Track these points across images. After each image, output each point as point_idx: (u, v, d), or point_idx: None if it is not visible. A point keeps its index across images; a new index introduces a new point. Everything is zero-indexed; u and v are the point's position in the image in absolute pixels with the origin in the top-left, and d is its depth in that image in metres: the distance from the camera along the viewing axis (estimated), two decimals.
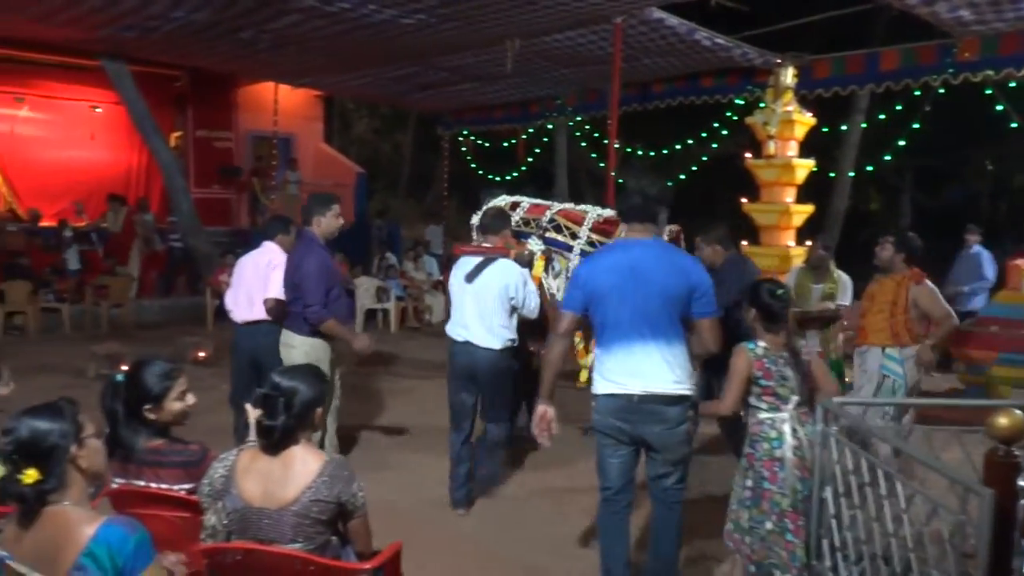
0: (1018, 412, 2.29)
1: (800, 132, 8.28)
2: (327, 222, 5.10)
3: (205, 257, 12.65)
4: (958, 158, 18.03)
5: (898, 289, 5.08)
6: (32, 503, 1.95)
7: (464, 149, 16.81)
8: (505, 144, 15.70)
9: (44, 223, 12.95)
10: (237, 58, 10.58)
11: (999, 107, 8.74)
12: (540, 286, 5.46)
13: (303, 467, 2.55)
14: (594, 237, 5.51)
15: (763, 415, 3.55)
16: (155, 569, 2.00)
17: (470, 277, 4.95)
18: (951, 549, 2.68)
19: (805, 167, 8.29)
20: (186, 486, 2.76)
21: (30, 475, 1.93)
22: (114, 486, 2.78)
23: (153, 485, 2.78)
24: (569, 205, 5.96)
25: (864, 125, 13.14)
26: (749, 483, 3.59)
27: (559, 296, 5.46)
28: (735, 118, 10.41)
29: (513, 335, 5.01)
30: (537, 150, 16.01)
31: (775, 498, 3.49)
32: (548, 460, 5.88)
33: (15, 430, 1.98)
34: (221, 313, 11.47)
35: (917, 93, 8.70)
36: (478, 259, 4.98)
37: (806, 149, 8.68)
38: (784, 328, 3.63)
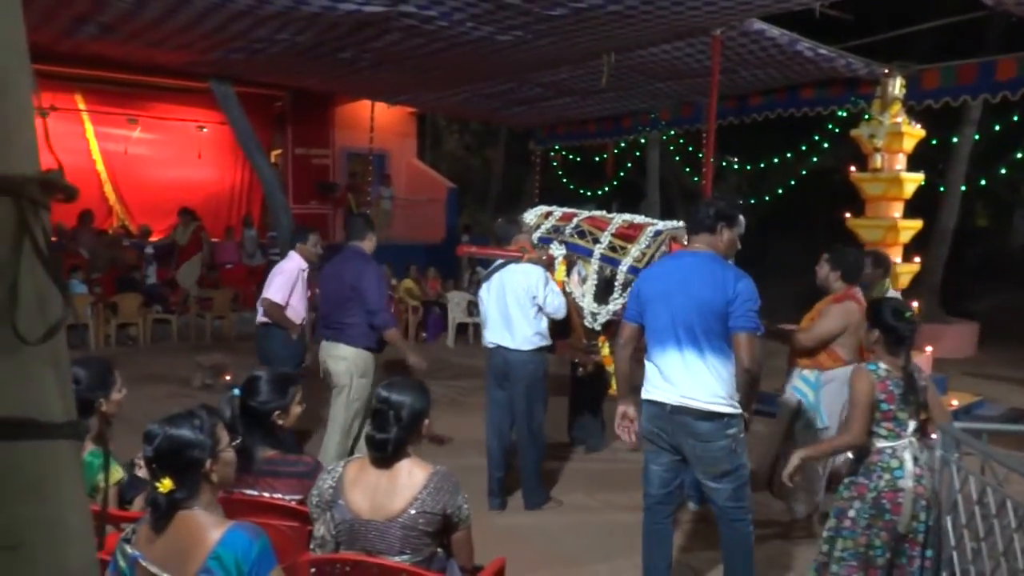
0: None
1: (909, 145, 7.93)
2: (374, 240, 5.44)
3: None
4: None
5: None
6: (164, 510, 2.03)
7: (555, 164, 16.84)
8: (596, 159, 15.66)
9: (154, 238, 13.58)
10: (337, 77, 10.86)
11: None
12: (563, 290, 5.47)
13: (409, 479, 2.57)
14: (616, 242, 5.48)
15: (882, 443, 3.36)
16: (278, 574, 2.03)
17: (485, 284, 5.24)
18: None
19: (914, 181, 7.94)
20: (297, 497, 2.81)
21: (165, 485, 2.01)
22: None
23: (266, 495, 2.84)
24: (599, 213, 5.99)
25: (977, 137, 12.51)
26: (853, 513, 3.42)
27: (584, 301, 5.52)
28: (836, 130, 10.10)
29: (544, 336, 5.14)
30: (629, 164, 15.91)
31: (897, 527, 3.31)
32: (634, 478, 5.83)
33: (156, 439, 2.06)
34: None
35: None
36: (493, 265, 5.26)
37: (913, 162, 8.33)
38: (907, 351, 3.46)
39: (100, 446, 3.03)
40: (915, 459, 3.32)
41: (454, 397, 8.27)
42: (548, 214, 6.07)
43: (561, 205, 6.40)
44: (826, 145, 11.66)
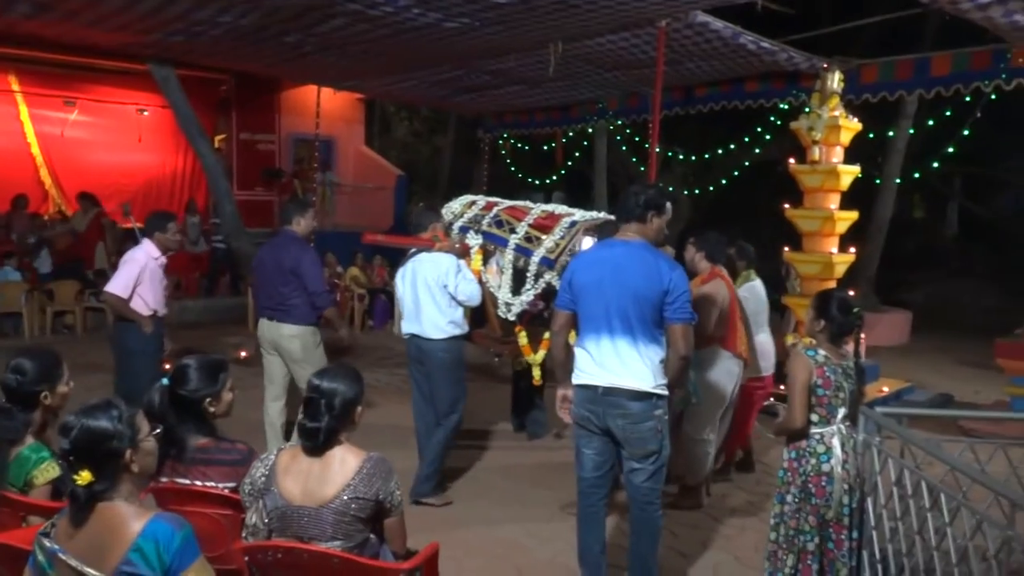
0: None
1: (846, 138, 8.13)
2: (306, 223, 5.50)
3: (247, 258, 12.82)
4: (1009, 166, 17.64)
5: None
6: (83, 502, 1.99)
7: (504, 152, 16.84)
8: (544, 147, 15.71)
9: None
10: (282, 62, 10.71)
11: None
12: (480, 280, 5.54)
13: (342, 465, 2.58)
14: (532, 233, 5.55)
15: (812, 429, 3.48)
16: (201, 564, 2.02)
17: (400, 272, 5.27)
18: (996, 565, 2.61)
19: (850, 173, 8.14)
20: (231, 484, 2.80)
21: (84, 477, 1.97)
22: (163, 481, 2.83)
23: (199, 483, 2.82)
24: (521, 203, 6.02)
25: (912, 131, 12.89)
26: (789, 498, 3.53)
27: (499, 292, 5.64)
28: (779, 123, 10.30)
29: (458, 325, 5.14)
30: (576, 153, 15.99)
31: (821, 511, 3.43)
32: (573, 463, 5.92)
33: (73, 430, 2.01)
34: None
35: (968, 99, 8.50)
36: (408, 254, 5.30)
37: (851, 155, 8.54)
38: (849, 342, 3.57)
39: (41, 441, 2.96)
40: (842, 445, 3.44)
41: (399, 385, 8.26)
42: (472, 203, 6.11)
43: (510, 193, 6.45)
44: (769, 137, 11.87)
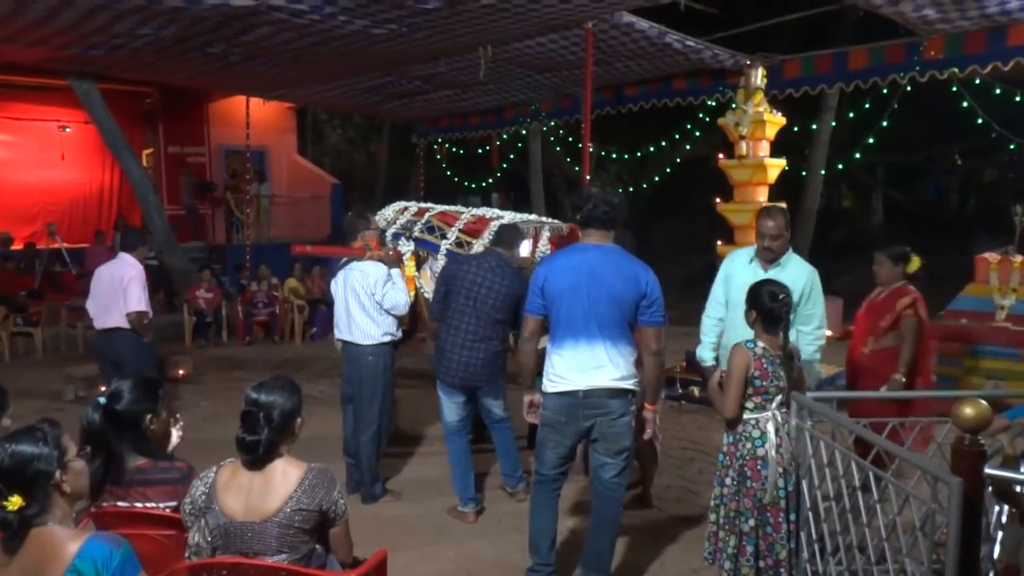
0: (983, 402, 2.35)
1: (771, 132, 8.37)
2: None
3: (181, 274, 12.59)
4: (927, 155, 18.30)
5: None
6: (16, 529, 1.96)
7: (439, 157, 16.84)
8: (480, 150, 15.76)
9: (16, 247, 12.82)
10: (207, 73, 10.53)
11: (965, 104, 8.88)
12: (413, 285, 5.64)
13: (283, 478, 2.56)
14: (463, 238, 5.67)
15: (747, 415, 3.59)
16: None
17: (333, 281, 5.31)
18: (923, 537, 2.73)
19: (776, 166, 8.38)
20: (172, 504, 2.76)
21: (14, 502, 1.94)
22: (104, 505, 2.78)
23: (139, 504, 2.78)
24: (452, 208, 6.10)
25: (834, 124, 13.31)
26: (728, 481, 3.64)
27: (431, 296, 5.70)
28: (707, 119, 10.51)
29: (388, 332, 5.16)
30: (512, 156, 16.08)
31: (757, 494, 3.54)
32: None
33: None
34: (199, 330, 11.46)
35: (885, 91, 8.82)
36: (341, 262, 5.33)
37: (778, 148, 8.77)
38: (783, 330, 3.68)
39: None
40: (776, 430, 3.56)
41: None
42: (404, 209, 6.16)
43: (448, 197, 6.51)
44: (698, 134, 12.12)
